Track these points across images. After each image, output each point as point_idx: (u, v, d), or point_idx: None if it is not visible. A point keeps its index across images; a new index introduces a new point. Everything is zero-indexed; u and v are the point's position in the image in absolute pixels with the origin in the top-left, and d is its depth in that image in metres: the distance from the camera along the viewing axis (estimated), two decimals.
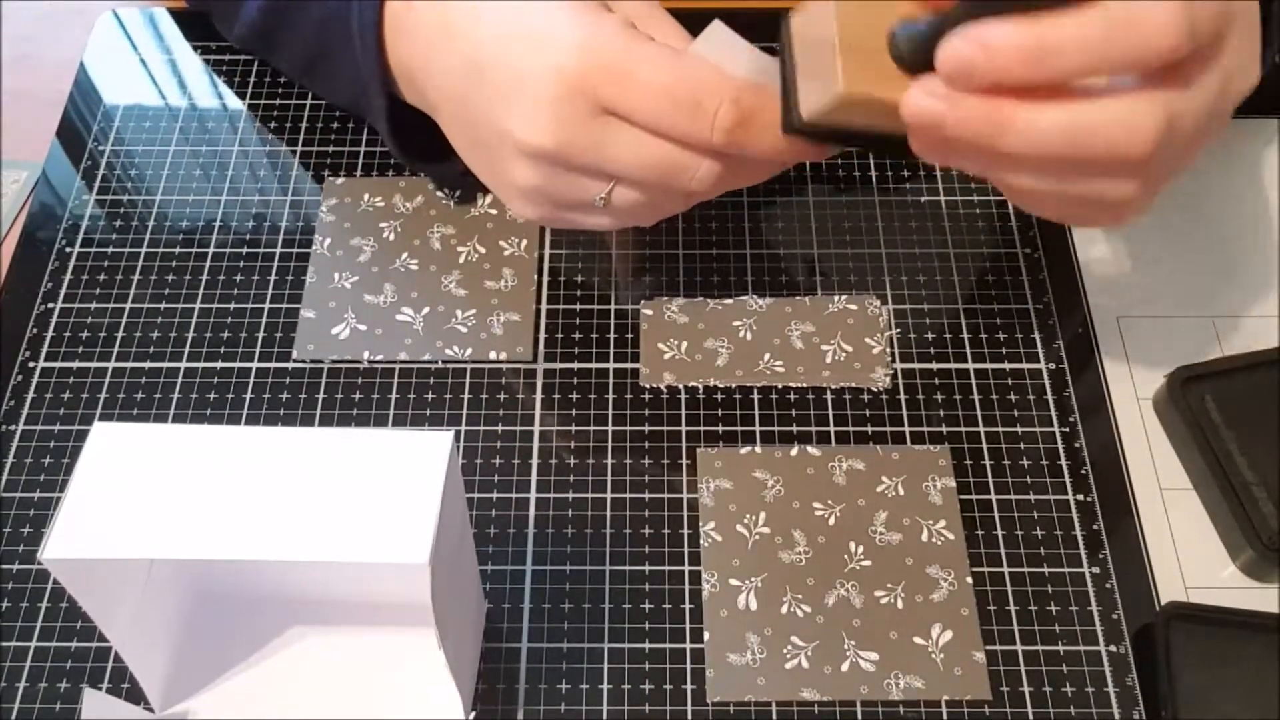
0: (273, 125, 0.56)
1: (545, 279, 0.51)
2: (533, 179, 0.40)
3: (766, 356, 0.48)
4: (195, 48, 0.59)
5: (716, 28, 0.38)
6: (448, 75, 0.42)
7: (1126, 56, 0.31)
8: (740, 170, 0.40)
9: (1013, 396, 0.48)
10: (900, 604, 0.42)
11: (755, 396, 0.48)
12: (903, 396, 0.48)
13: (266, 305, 0.50)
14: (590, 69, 0.37)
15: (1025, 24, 0.31)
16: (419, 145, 0.48)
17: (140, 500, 0.32)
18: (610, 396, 0.48)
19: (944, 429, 0.47)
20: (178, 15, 0.60)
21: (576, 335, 0.50)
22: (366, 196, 0.53)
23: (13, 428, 0.47)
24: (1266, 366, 0.46)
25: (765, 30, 0.60)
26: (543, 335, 0.49)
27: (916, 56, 0.33)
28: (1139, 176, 0.34)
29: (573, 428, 0.47)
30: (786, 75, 0.37)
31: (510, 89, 0.39)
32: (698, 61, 0.38)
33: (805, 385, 0.48)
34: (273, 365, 0.49)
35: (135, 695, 0.40)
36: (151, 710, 0.39)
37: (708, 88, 0.37)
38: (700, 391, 0.48)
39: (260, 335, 0.49)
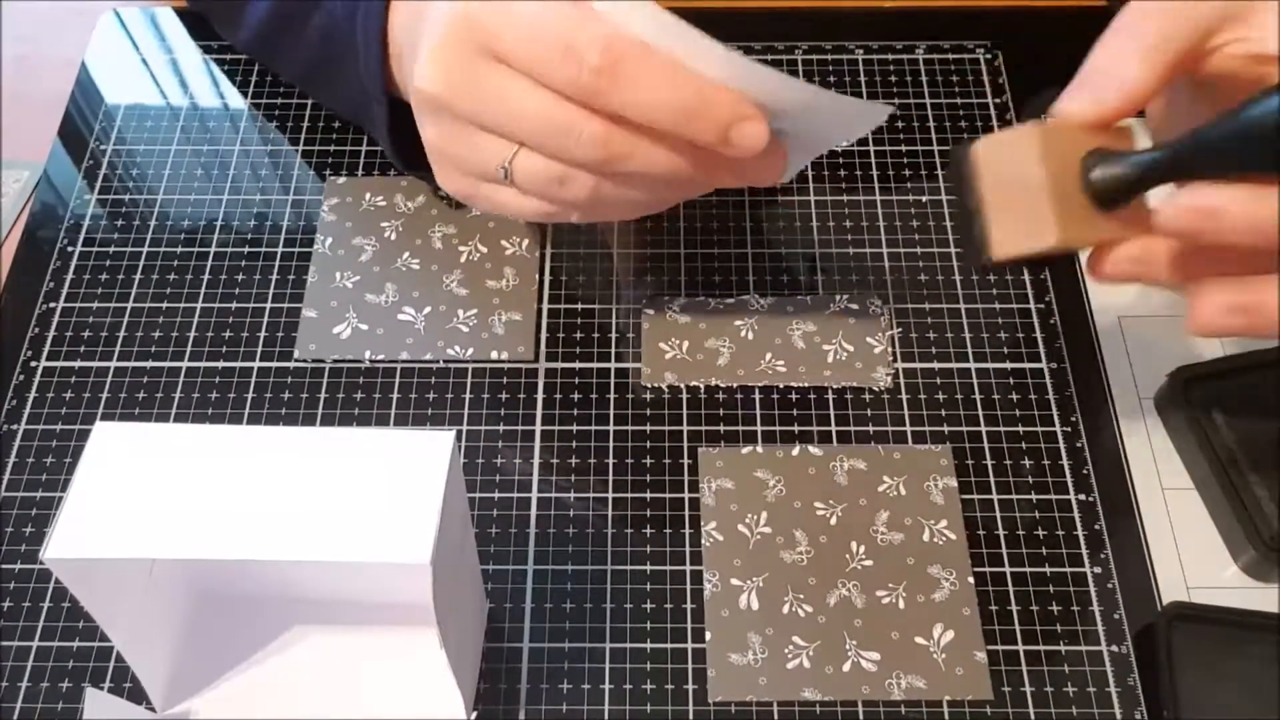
0: (274, 125, 0.56)
1: (547, 279, 0.51)
2: (432, 135, 0.40)
3: (768, 356, 0.48)
4: (197, 47, 0.59)
5: None
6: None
7: None
8: (639, 154, 0.38)
9: (1014, 396, 0.48)
10: (902, 604, 0.42)
11: (756, 396, 0.48)
12: (904, 396, 0.48)
13: (268, 305, 0.50)
14: (477, 8, 0.37)
15: (1261, 192, 0.31)
16: (419, 152, 0.48)
17: (142, 500, 0.32)
18: (612, 396, 0.48)
19: (945, 429, 0.47)
20: (179, 15, 0.60)
21: (578, 335, 0.49)
22: (368, 196, 0.53)
23: (14, 427, 0.47)
24: (1268, 367, 0.46)
25: (767, 30, 0.60)
26: (544, 335, 0.49)
27: (1117, 197, 0.34)
28: None
29: (574, 427, 0.47)
30: (971, 208, 0.35)
31: (421, 42, 0.39)
32: (575, 5, 0.36)
33: (807, 385, 0.48)
34: (274, 365, 0.49)
35: (137, 695, 0.40)
36: (153, 710, 0.39)
37: (583, 31, 0.36)
38: (701, 391, 0.48)
39: (262, 335, 0.49)
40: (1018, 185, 0.34)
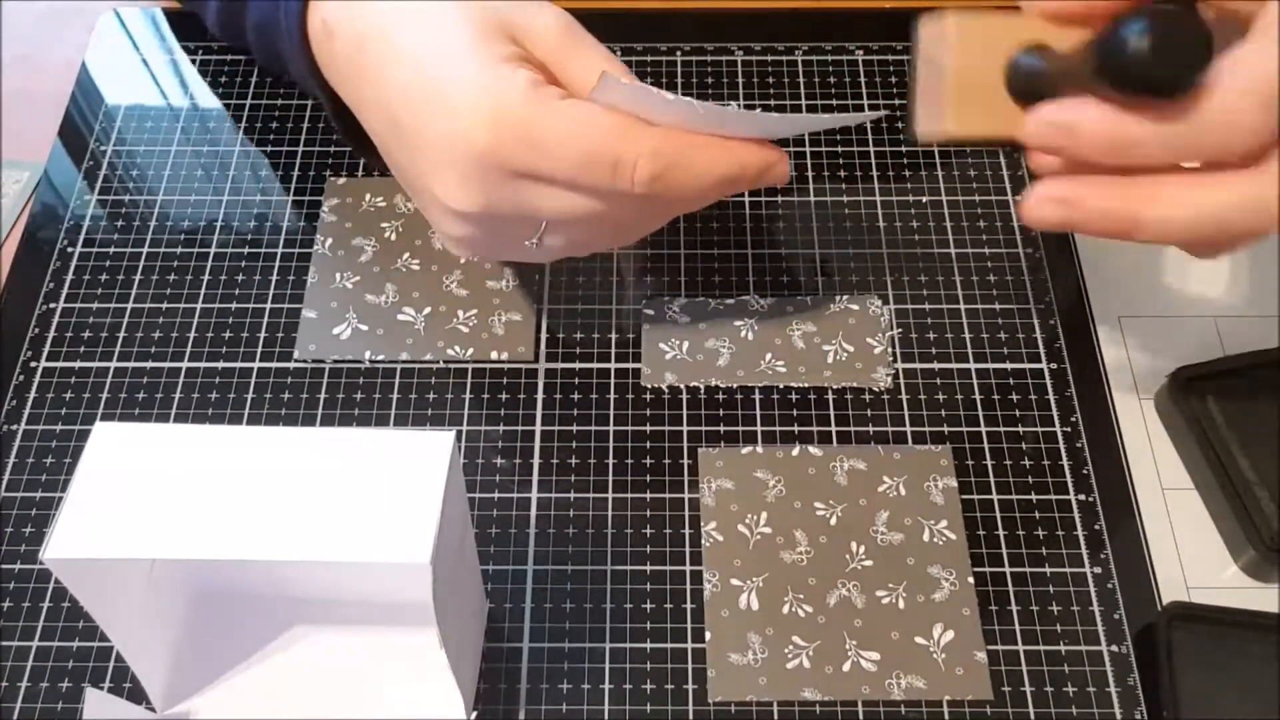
0: (274, 125, 0.56)
1: (547, 279, 0.51)
2: (462, 231, 0.40)
3: (768, 356, 0.48)
4: (197, 48, 0.59)
5: (608, 80, 0.36)
6: (370, 117, 0.42)
7: (1208, 153, 0.32)
8: (674, 204, 0.40)
9: (1014, 396, 0.48)
10: (902, 604, 0.42)
11: (756, 396, 0.48)
12: (904, 396, 0.48)
13: (268, 305, 0.50)
14: (501, 142, 0.37)
15: (1113, 114, 0.31)
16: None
17: (142, 500, 0.32)
18: (612, 396, 0.48)
19: (945, 429, 0.47)
20: (179, 15, 0.60)
21: (578, 335, 0.49)
22: (368, 196, 0.53)
23: (14, 427, 0.47)
24: (1268, 366, 0.46)
25: (767, 31, 0.60)
26: (544, 335, 0.49)
27: (1032, 93, 0.33)
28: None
29: (574, 428, 0.47)
30: (910, 79, 0.37)
31: (427, 153, 0.39)
32: (607, 115, 0.37)
33: (807, 385, 0.48)
34: (274, 365, 0.49)
35: (137, 695, 0.40)
36: (153, 710, 0.39)
37: (623, 143, 0.37)
38: (701, 391, 0.48)
39: (261, 335, 0.49)
40: (936, 69, 0.35)
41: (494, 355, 0.49)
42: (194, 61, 0.59)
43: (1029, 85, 0.34)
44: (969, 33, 0.35)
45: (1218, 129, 0.31)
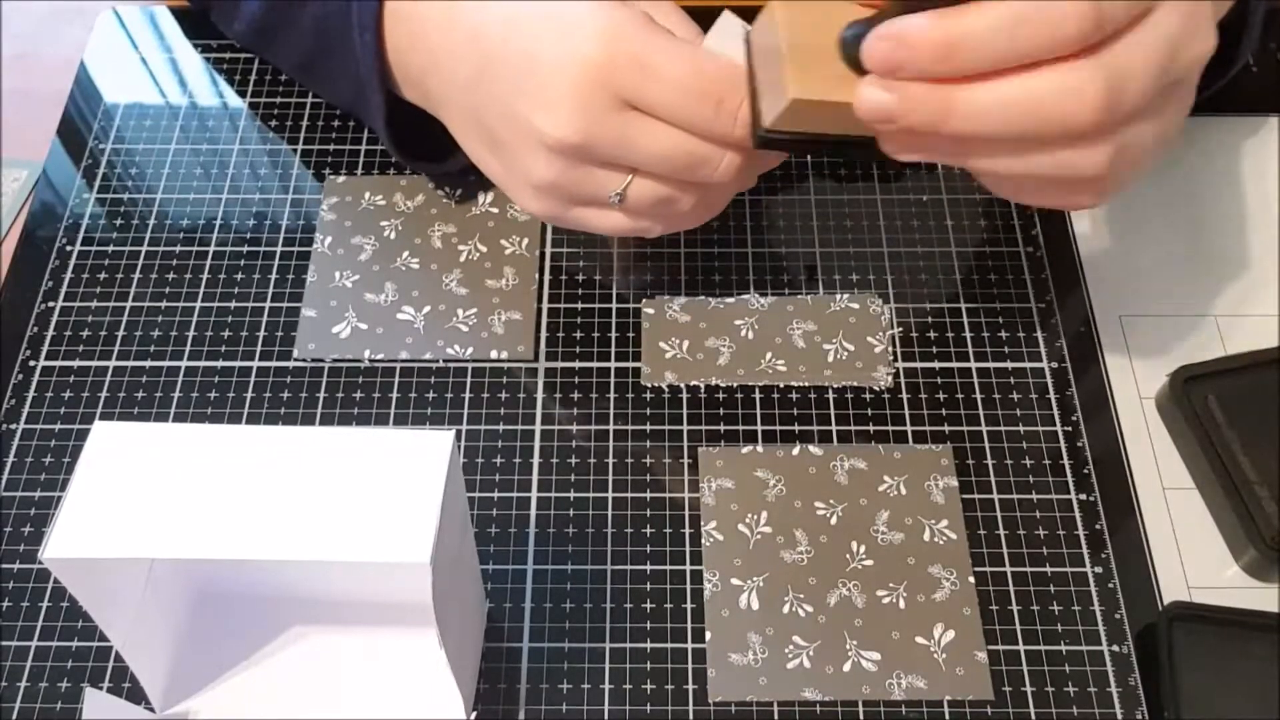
0: (273, 124, 0.56)
1: (546, 277, 0.51)
2: (551, 173, 0.40)
3: (768, 355, 0.48)
4: (196, 46, 0.59)
5: (726, 19, 0.38)
6: (456, 68, 0.41)
7: (1036, 46, 0.32)
8: (751, 167, 0.40)
9: (1015, 395, 0.48)
10: (902, 604, 0.42)
11: (757, 395, 0.48)
12: (904, 395, 0.48)
13: (267, 304, 0.50)
14: (615, 59, 0.37)
15: (936, 18, 0.32)
16: (418, 144, 0.48)
17: (141, 499, 0.32)
18: (611, 395, 0.48)
19: (946, 428, 0.47)
20: (178, 14, 0.60)
21: (578, 334, 0.49)
22: (367, 195, 0.53)
23: (13, 427, 0.47)
24: (1269, 366, 0.46)
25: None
26: (544, 334, 0.49)
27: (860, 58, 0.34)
28: (1102, 144, 0.34)
29: (574, 427, 0.47)
30: (751, 87, 0.38)
31: (528, 79, 0.38)
32: (717, 57, 0.38)
33: (807, 384, 0.48)
34: (273, 364, 0.48)
35: (136, 695, 0.40)
36: (152, 710, 0.39)
37: (730, 83, 0.37)
38: (702, 390, 0.48)
39: (261, 334, 0.49)
40: (771, 55, 0.36)
41: (494, 354, 0.49)
42: (193, 60, 0.59)
43: (855, 50, 0.34)
44: (797, 16, 0.35)
45: (1038, 20, 0.31)
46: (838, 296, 0.50)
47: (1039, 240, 0.52)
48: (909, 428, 0.47)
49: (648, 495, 0.45)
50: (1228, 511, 0.43)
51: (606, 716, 0.40)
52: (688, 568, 0.44)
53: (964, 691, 0.41)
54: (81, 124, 0.56)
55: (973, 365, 0.48)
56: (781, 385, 0.48)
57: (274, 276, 0.51)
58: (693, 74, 0.37)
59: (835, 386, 0.48)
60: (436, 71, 0.43)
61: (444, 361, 0.48)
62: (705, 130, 0.38)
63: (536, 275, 0.51)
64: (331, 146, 0.55)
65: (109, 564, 0.34)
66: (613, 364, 0.49)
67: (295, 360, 0.48)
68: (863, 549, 0.44)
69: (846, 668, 0.41)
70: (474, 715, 0.40)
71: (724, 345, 0.49)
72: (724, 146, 0.39)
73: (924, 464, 0.46)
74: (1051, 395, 0.48)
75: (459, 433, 0.47)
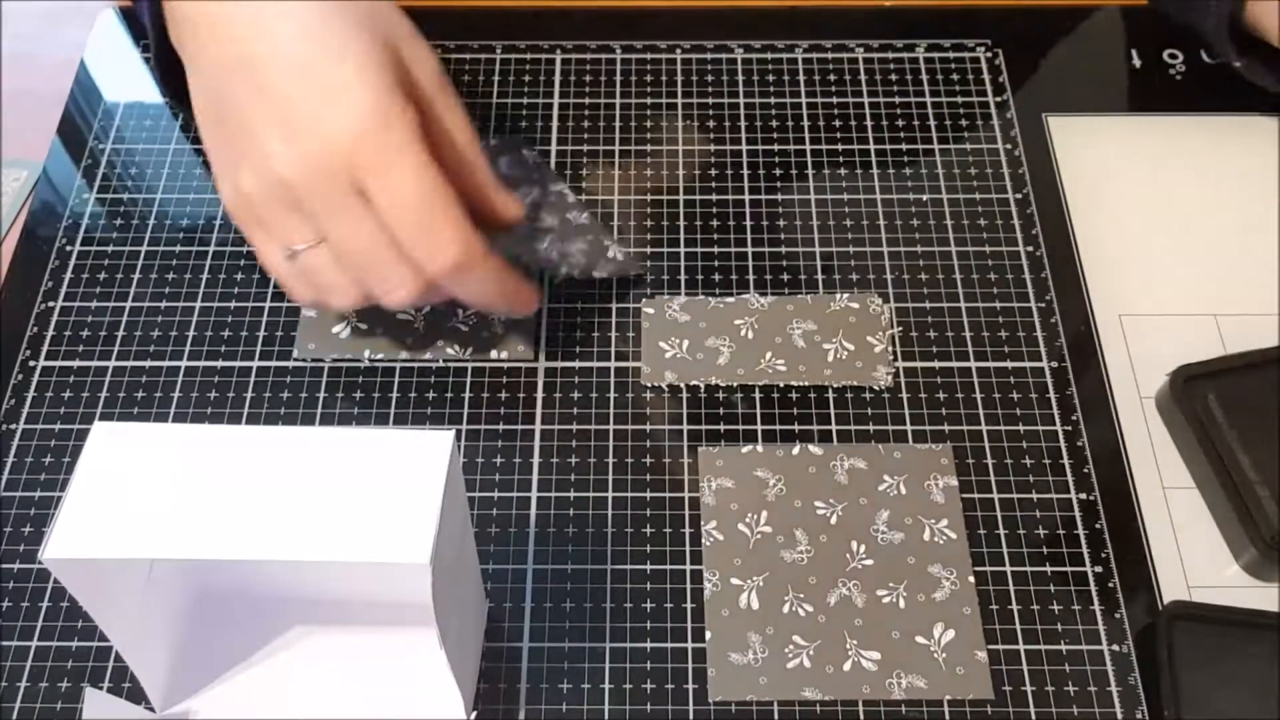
0: None
1: (546, 277, 0.51)
2: (255, 189, 0.40)
3: (768, 355, 0.48)
4: None
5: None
6: (216, 56, 0.41)
7: None
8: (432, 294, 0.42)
9: (1015, 395, 0.48)
10: (902, 603, 0.42)
11: (757, 395, 0.48)
12: (904, 395, 0.48)
13: (267, 304, 0.50)
14: (366, 150, 0.38)
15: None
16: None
17: (141, 500, 0.32)
18: (611, 395, 0.48)
19: (946, 427, 0.47)
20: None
21: (578, 334, 0.49)
22: None
23: (13, 427, 0.47)
24: (1269, 365, 0.46)
25: (768, 28, 0.60)
26: (544, 334, 0.49)
27: None
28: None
29: (574, 426, 0.47)
30: None
31: (280, 109, 0.39)
32: (449, 196, 0.40)
33: (807, 384, 0.48)
34: (273, 364, 0.48)
35: (136, 695, 0.40)
36: (152, 710, 0.39)
37: (451, 221, 0.40)
38: (702, 390, 0.48)
39: (261, 334, 0.49)
40: None
41: (494, 354, 0.49)
42: None
43: None
44: None
45: None
46: (838, 296, 0.50)
47: (1039, 240, 0.52)
48: (909, 427, 0.47)
49: (648, 495, 0.45)
50: (1228, 511, 0.43)
51: (606, 716, 0.40)
52: (688, 567, 0.44)
53: (964, 691, 0.41)
54: (82, 123, 0.56)
55: (973, 365, 0.48)
56: (781, 385, 0.48)
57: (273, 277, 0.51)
58: (426, 196, 0.39)
59: (835, 386, 0.48)
60: (195, 34, 0.42)
61: (444, 362, 0.48)
62: (408, 248, 0.40)
63: (537, 276, 0.51)
64: None
65: (109, 564, 0.34)
66: (613, 364, 0.49)
67: (295, 360, 0.48)
68: (863, 548, 0.44)
69: (846, 667, 0.41)
70: (474, 715, 0.40)
71: (724, 345, 0.49)
72: (411, 273, 0.40)
73: (924, 463, 0.46)
74: (1051, 395, 0.48)
75: (459, 433, 0.47)
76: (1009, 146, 0.55)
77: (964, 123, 0.56)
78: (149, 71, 0.47)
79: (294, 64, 0.39)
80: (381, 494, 0.32)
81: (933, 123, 0.56)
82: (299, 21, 0.39)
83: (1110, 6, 0.61)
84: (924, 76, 0.58)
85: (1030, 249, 0.52)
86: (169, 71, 0.47)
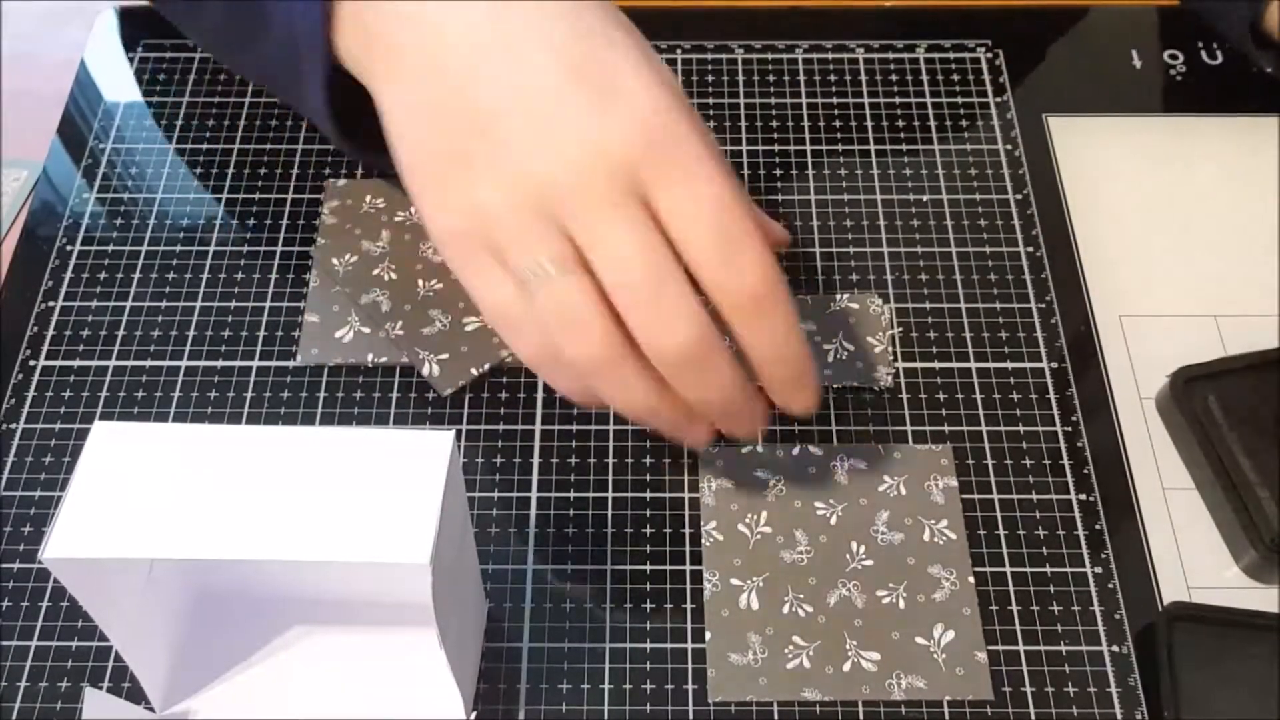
0: (273, 123, 0.56)
1: None
2: (498, 201, 0.34)
3: None
4: (196, 45, 0.59)
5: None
6: (442, 69, 0.35)
7: None
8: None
9: (1015, 395, 0.48)
10: (902, 604, 0.42)
11: None
12: (905, 395, 0.48)
13: (267, 304, 0.50)
14: (655, 155, 0.33)
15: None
16: (370, 133, 0.40)
17: (141, 500, 0.32)
18: None
19: (946, 428, 0.47)
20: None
21: None
22: (368, 199, 0.53)
23: (13, 426, 0.47)
24: (1270, 367, 0.46)
25: (768, 28, 0.60)
26: None
27: None
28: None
29: (574, 426, 0.47)
30: None
31: (541, 112, 0.34)
32: (751, 204, 0.34)
33: None
34: (274, 364, 0.48)
35: (136, 695, 0.40)
36: (152, 710, 0.39)
37: (755, 237, 0.33)
38: None
39: (261, 334, 0.49)
40: None
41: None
42: (193, 59, 0.59)
43: None
44: None
45: None
46: (838, 296, 0.50)
47: (1039, 240, 0.52)
48: (909, 428, 0.47)
49: (648, 495, 0.45)
50: (1228, 513, 0.43)
51: (606, 716, 0.40)
52: (688, 568, 0.44)
53: (964, 692, 0.41)
54: (81, 123, 0.56)
55: (973, 365, 0.48)
56: None
57: (274, 276, 0.51)
58: (724, 211, 0.33)
59: (835, 386, 0.48)
60: (405, 51, 0.36)
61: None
62: (710, 272, 0.33)
63: None
64: (331, 148, 0.55)
65: (108, 564, 0.34)
66: None
67: (296, 360, 0.48)
68: (863, 549, 0.44)
69: (846, 668, 0.41)
70: (474, 715, 0.40)
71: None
72: (630, 351, 0.34)
73: (924, 464, 0.46)
74: (1051, 395, 0.48)
75: (459, 433, 0.47)
76: (1009, 147, 0.55)
77: (964, 123, 0.56)
78: (323, 119, 0.42)
79: (562, 63, 0.34)
80: (382, 494, 0.32)
81: (933, 123, 0.56)
82: (559, 19, 0.34)
83: (1110, 7, 0.61)
84: (924, 77, 0.58)
85: (1030, 249, 0.52)
86: (345, 119, 0.41)
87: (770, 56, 0.59)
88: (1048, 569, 0.43)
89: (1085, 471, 0.46)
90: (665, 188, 0.33)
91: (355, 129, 0.42)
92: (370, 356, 0.48)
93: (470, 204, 0.34)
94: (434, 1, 0.35)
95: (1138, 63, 0.59)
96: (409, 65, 0.36)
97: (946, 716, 0.40)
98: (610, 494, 0.45)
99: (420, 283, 0.50)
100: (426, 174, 0.36)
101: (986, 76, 0.58)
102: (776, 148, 0.55)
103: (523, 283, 0.34)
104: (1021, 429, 0.47)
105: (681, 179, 0.33)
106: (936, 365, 0.49)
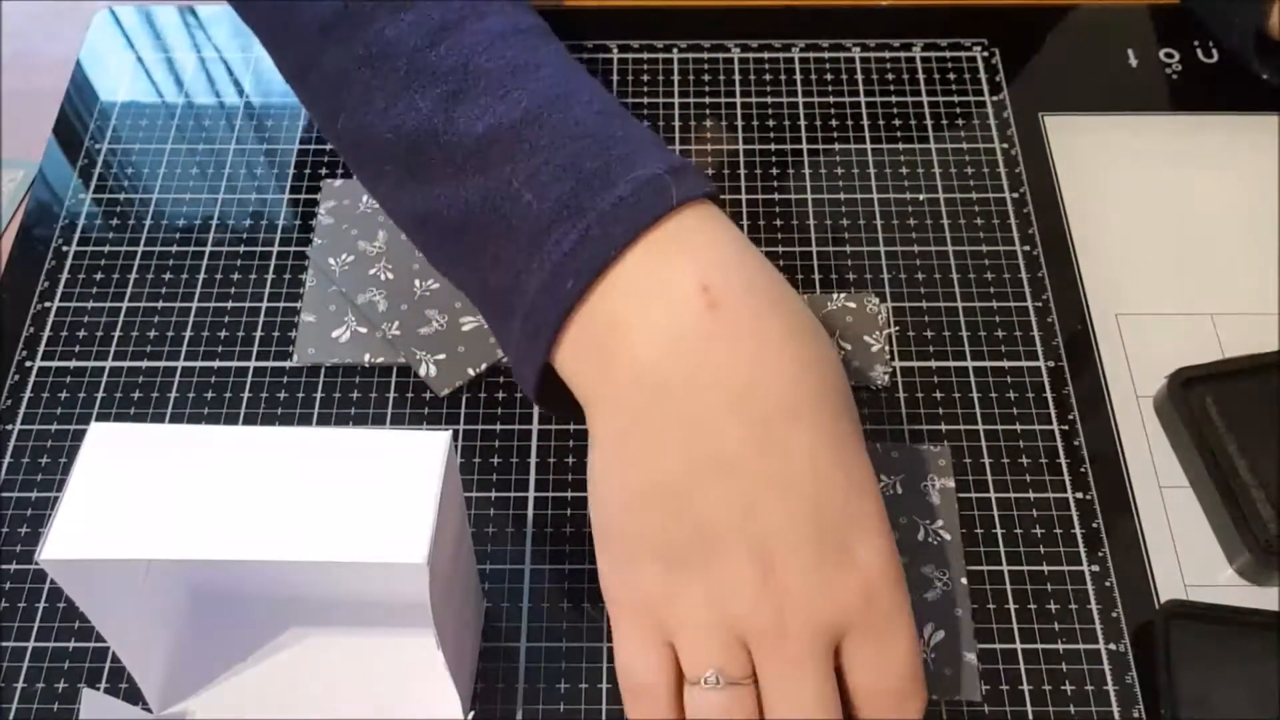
0: (270, 123, 0.56)
1: None
2: (696, 616, 0.33)
3: None
4: (192, 45, 0.59)
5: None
6: (693, 448, 0.33)
7: None
8: None
9: (1012, 395, 0.48)
10: None
11: None
12: (901, 394, 0.48)
13: (264, 304, 0.50)
14: (873, 607, 0.33)
15: None
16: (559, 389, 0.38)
17: (138, 500, 0.32)
18: None
19: (943, 426, 0.47)
20: (175, 13, 0.60)
21: None
22: (365, 199, 0.53)
23: (10, 427, 0.47)
24: (1267, 369, 0.46)
25: (764, 27, 0.60)
26: None
27: None
28: None
29: (571, 426, 0.47)
30: None
31: (775, 543, 0.32)
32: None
33: None
34: (270, 365, 0.48)
35: (133, 695, 0.40)
36: (149, 710, 0.39)
37: (923, 698, 0.34)
38: None
39: (258, 334, 0.49)
40: None
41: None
42: (189, 59, 0.58)
43: None
44: None
45: None
46: (835, 295, 0.50)
47: (1036, 239, 0.52)
48: (905, 426, 0.47)
49: None
50: (1223, 514, 0.43)
51: (605, 716, 0.40)
52: None
53: (952, 692, 0.41)
54: (78, 123, 0.56)
55: (969, 364, 0.49)
56: None
57: (270, 277, 0.51)
58: (910, 673, 0.33)
59: None
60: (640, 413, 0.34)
61: None
62: (875, 714, 0.33)
63: None
64: (328, 148, 0.55)
65: (105, 565, 0.34)
66: None
67: (293, 361, 0.48)
68: None
69: None
70: (472, 715, 0.40)
71: None
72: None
73: (921, 464, 0.46)
74: (1048, 394, 0.48)
75: (456, 433, 0.47)
76: (1005, 145, 0.55)
77: (960, 122, 0.56)
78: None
79: (803, 507, 0.32)
80: (378, 494, 0.32)
81: (929, 122, 0.56)
82: (816, 430, 0.33)
83: (1106, 5, 0.61)
84: (920, 76, 0.58)
85: (1027, 248, 0.52)
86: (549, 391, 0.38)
87: (767, 55, 0.59)
88: (1044, 567, 0.43)
89: (1082, 470, 0.46)
90: (862, 643, 0.33)
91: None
92: (367, 356, 0.48)
93: (664, 595, 0.33)
94: (678, 371, 0.33)
95: (1134, 61, 0.59)
96: (642, 426, 0.34)
97: (945, 716, 0.40)
98: None
99: (417, 283, 0.50)
100: (623, 545, 0.35)
101: (983, 75, 0.58)
102: (773, 146, 0.55)
103: (690, 682, 0.33)
104: (1018, 428, 0.47)
105: (879, 635, 0.33)
106: (933, 364, 0.49)
